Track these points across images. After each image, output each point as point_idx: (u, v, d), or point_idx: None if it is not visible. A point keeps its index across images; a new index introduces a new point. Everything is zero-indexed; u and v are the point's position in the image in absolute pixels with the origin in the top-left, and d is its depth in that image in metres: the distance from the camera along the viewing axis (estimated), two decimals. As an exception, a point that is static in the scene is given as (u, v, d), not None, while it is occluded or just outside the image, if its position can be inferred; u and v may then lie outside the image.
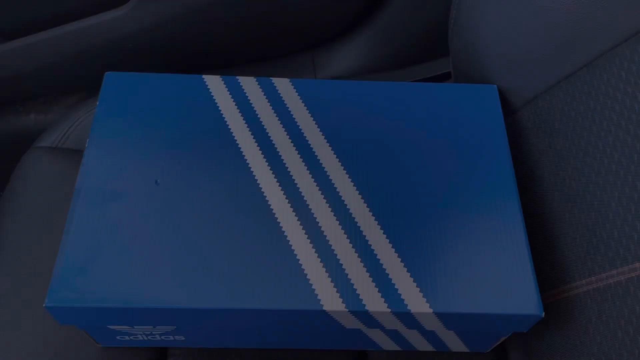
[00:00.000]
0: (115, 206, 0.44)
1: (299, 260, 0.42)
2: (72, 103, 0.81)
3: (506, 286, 0.42)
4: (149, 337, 0.47)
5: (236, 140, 0.48)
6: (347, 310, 0.41)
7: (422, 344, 0.49)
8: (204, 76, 0.51)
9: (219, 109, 0.49)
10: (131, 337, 0.47)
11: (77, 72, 0.73)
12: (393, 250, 0.43)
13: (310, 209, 0.45)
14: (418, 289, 0.42)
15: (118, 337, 0.47)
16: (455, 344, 0.49)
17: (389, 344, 0.49)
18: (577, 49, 0.47)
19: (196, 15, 0.66)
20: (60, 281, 0.41)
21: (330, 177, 0.46)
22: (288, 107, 0.50)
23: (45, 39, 0.69)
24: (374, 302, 0.41)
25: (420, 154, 0.48)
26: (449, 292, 0.42)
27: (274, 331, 0.46)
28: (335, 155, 0.47)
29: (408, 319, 0.42)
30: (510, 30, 0.50)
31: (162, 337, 0.47)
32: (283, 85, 0.51)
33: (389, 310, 0.41)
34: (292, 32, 0.72)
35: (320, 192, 0.45)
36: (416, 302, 0.41)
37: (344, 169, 0.47)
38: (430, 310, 0.41)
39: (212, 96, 0.50)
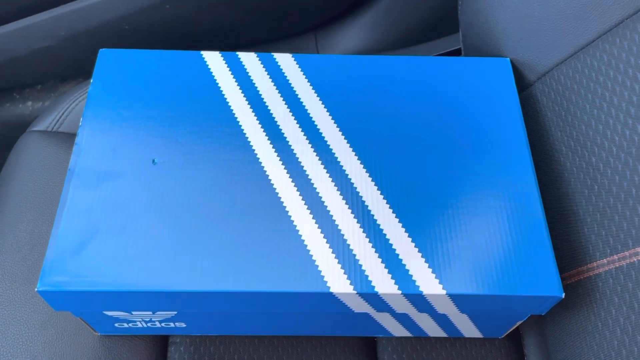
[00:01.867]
0: (111, 186, 0.42)
1: (303, 240, 0.40)
2: (69, 90, 0.79)
3: (523, 266, 0.40)
4: (149, 324, 0.45)
5: (237, 117, 0.46)
6: (356, 292, 0.39)
7: (433, 330, 0.47)
8: (202, 52, 0.49)
9: (219, 85, 0.47)
10: (130, 325, 0.45)
11: (73, 55, 0.72)
12: (403, 229, 0.41)
13: (315, 188, 0.42)
14: (430, 269, 0.40)
15: (116, 325, 0.45)
16: (469, 329, 0.47)
17: (399, 330, 0.47)
18: (594, 16, 0.44)
19: (195, -6, 0.64)
20: (53, 264, 0.39)
21: (335, 155, 0.44)
22: (290, 83, 0.48)
23: (40, 22, 0.68)
24: (384, 283, 0.39)
25: (431, 130, 0.46)
26: (463, 273, 0.39)
27: (278, 317, 0.44)
28: (340, 132, 0.45)
29: (419, 301, 0.40)
30: (523, 0, 0.48)
31: (163, 324, 0.45)
32: (285, 61, 0.49)
33: (400, 292, 0.39)
34: (295, 12, 0.70)
35: (325, 170, 0.43)
36: (428, 284, 0.39)
37: (350, 146, 0.45)
38: (444, 292, 0.39)
39: (211, 72, 0.48)
